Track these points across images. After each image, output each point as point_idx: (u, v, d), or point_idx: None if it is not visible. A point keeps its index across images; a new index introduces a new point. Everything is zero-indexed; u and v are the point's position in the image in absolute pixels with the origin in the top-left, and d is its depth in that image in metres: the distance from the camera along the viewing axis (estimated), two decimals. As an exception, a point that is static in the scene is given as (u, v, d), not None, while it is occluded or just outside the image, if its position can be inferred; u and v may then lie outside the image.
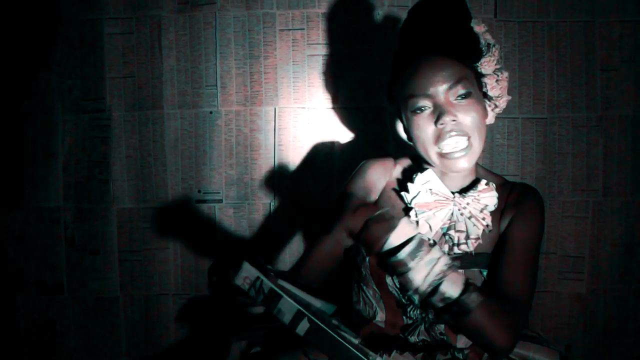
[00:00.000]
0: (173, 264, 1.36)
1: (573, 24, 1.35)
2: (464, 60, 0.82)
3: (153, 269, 1.36)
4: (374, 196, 0.94)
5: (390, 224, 0.71)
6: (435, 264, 0.70)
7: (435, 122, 0.80)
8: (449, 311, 0.71)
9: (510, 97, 0.90)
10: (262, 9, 1.32)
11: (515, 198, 0.88)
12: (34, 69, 1.34)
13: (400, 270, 0.71)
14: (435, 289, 0.70)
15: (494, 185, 0.87)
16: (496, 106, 0.89)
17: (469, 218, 0.85)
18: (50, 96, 1.34)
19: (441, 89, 0.80)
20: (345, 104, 1.34)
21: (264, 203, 1.35)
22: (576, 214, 1.37)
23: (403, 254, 0.69)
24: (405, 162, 0.97)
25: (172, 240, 1.35)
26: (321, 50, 1.33)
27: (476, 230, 0.84)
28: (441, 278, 0.70)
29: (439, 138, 0.81)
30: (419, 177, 0.87)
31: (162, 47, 1.33)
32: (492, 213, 0.86)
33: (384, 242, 0.70)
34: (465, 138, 0.81)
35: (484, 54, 0.83)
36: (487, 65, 0.83)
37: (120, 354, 1.36)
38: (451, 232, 0.85)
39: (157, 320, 1.36)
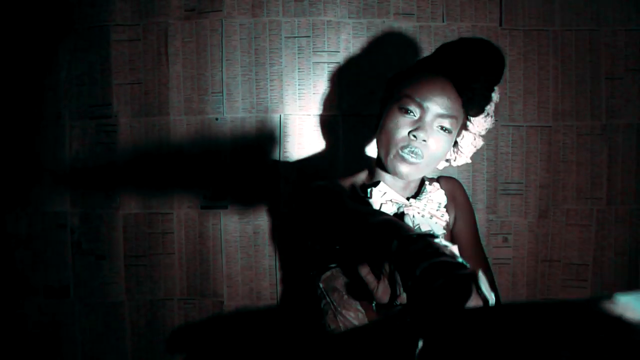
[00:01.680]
0: (178, 269, 1.37)
1: (578, 33, 1.35)
2: (465, 107, 0.88)
3: (158, 273, 1.37)
4: None
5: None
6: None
7: (411, 131, 0.85)
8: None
9: (470, 161, 0.99)
10: (268, 16, 1.33)
11: (448, 190, 1.02)
12: (42, 76, 1.35)
13: None
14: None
15: (437, 184, 0.99)
16: (455, 159, 0.98)
17: (430, 217, 0.93)
18: (57, 102, 1.35)
19: (435, 110, 0.85)
20: (351, 112, 1.35)
21: (269, 209, 1.36)
22: (580, 222, 1.38)
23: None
24: (354, 179, 1.01)
25: (177, 246, 1.36)
26: (327, 57, 1.34)
27: (440, 227, 0.92)
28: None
29: (405, 145, 0.86)
30: (375, 191, 0.92)
31: (169, 54, 1.34)
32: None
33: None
34: (421, 157, 0.87)
35: (482, 116, 0.90)
36: (476, 125, 0.91)
37: (125, 358, 1.37)
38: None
39: (162, 324, 1.37)
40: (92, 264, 1.37)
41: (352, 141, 1.36)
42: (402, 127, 0.86)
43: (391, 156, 0.88)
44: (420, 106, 0.85)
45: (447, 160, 0.99)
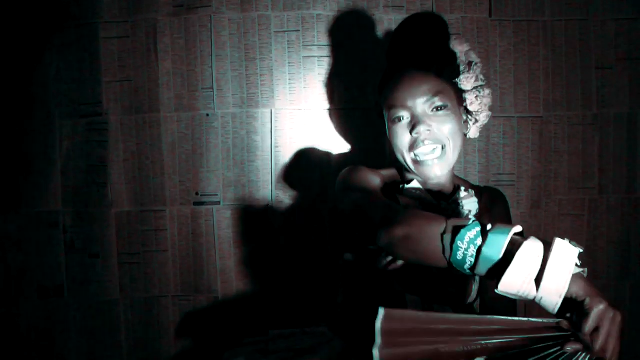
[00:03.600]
0: (172, 266, 1.37)
1: (568, 23, 1.35)
2: (442, 75, 0.87)
3: (152, 271, 1.36)
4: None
5: None
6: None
7: (411, 131, 0.86)
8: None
9: (491, 113, 0.95)
10: (258, 11, 1.32)
11: (487, 201, 0.99)
12: (31, 74, 1.34)
13: None
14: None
15: (472, 191, 0.94)
16: (477, 120, 0.94)
17: None
18: (47, 101, 1.34)
19: (419, 102, 0.85)
20: (342, 105, 1.35)
21: (261, 205, 1.36)
22: (572, 212, 1.38)
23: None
24: (389, 173, 1.00)
25: (170, 243, 1.36)
26: (317, 51, 1.34)
27: None
28: None
29: (414, 145, 0.87)
30: (406, 189, 0.92)
31: (158, 51, 1.33)
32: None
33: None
34: (439, 146, 0.87)
35: (463, 71, 0.88)
36: (466, 81, 0.89)
37: (120, 356, 1.37)
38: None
39: (157, 322, 1.37)
40: (85, 262, 1.36)
41: (344, 135, 1.35)
42: (404, 134, 0.88)
43: (411, 164, 0.89)
44: (405, 107, 0.86)
45: (474, 125, 0.94)
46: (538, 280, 0.54)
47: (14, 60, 1.34)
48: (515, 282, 0.54)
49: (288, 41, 1.33)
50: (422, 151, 0.87)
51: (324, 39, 1.33)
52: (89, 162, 1.35)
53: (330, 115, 1.35)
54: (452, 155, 0.89)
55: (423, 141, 0.86)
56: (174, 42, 1.33)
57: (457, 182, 0.99)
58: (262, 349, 0.94)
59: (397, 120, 0.88)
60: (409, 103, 0.86)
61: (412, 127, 0.86)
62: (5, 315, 1.36)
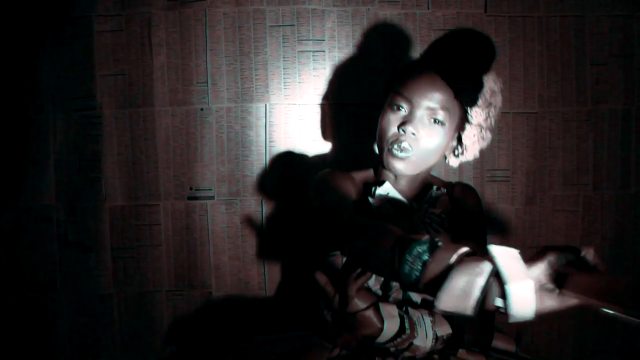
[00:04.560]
0: (166, 260, 1.36)
1: (563, 19, 1.35)
2: (458, 96, 0.86)
3: (146, 265, 1.36)
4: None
5: None
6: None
7: (399, 125, 0.86)
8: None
9: (477, 156, 0.96)
10: (252, 5, 1.32)
11: (459, 198, 1.00)
12: (24, 68, 1.33)
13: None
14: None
15: (444, 189, 0.96)
16: (462, 154, 0.94)
17: (430, 223, 0.92)
18: (40, 95, 1.34)
19: (424, 104, 0.85)
20: (336, 100, 1.34)
21: (255, 199, 1.35)
22: (567, 208, 1.38)
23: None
24: (364, 174, 1.01)
25: (164, 237, 1.36)
26: (312, 46, 1.33)
27: (439, 233, 0.91)
28: None
29: (395, 140, 0.87)
30: (379, 190, 0.92)
31: (153, 45, 1.32)
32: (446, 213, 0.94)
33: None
34: (411, 152, 0.87)
35: (479, 104, 0.88)
36: (475, 115, 0.89)
37: (113, 350, 1.37)
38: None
39: (151, 316, 1.37)
40: (79, 257, 1.36)
41: (338, 130, 1.35)
42: (392, 123, 0.88)
43: (385, 153, 0.89)
44: (409, 101, 0.86)
45: (456, 156, 0.96)
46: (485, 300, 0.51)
47: (6, 54, 1.33)
48: (450, 300, 0.51)
49: (283, 35, 1.33)
50: (399, 148, 0.87)
51: (319, 34, 1.33)
52: (82, 156, 1.34)
53: (325, 110, 1.35)
54: (416, 165, 0.89)
55: (403, 142, 0.86)
56: (169, 36, 1.33)
57: (431, 180, 1.01)
58: (246, 355, 0.94)
59: (395, 108, 0.88)
60: (415, 100, 0.86)
61: (402, 123, 0.86)
62: (-3, 309, 1.36)
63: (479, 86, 0.88)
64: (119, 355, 1.37)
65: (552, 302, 0.52)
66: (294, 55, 1.33)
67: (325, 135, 1.35)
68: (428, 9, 1.34)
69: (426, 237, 0.58)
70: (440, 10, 1.34)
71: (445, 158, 0.97)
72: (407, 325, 0.80)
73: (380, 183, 0.94)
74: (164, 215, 1.35)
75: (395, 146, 0.87)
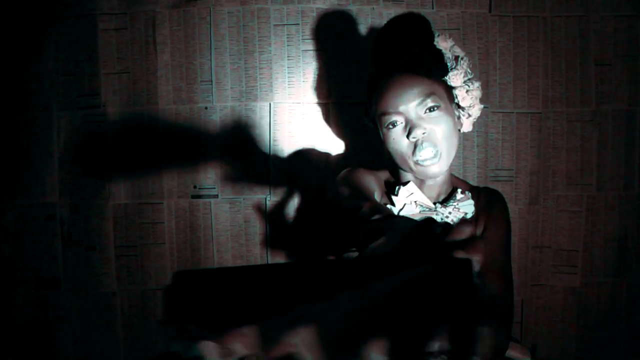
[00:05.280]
0: (169, 259, 1.36)
1: (568, 19, 1.35)
2: (431, 75, 0.86)
3: (149, 264, 1.36)
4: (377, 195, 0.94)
5: None
6: None
7: (408, 136, 0.86)
8: None
9: (482, 106, 0.94)
10: (257, 4, 1.32)
11: (484, 203, 0.96)
12: (29, 66, 1.33)
13: None
14: None
15: (469, 193, 0.93)
16: (470, 115, 0.93)
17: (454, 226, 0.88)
18: (45, 92, 1.34)
19: (411, 106, 0.85)
20: (340, 99, 1.34)
21: (259, 198, 1.36)
22: (570, 208, 1.38)
23: None
24: (384, 175, 1.00)
25: (168, 236, 1.36)
26: (316, 45, 1.33)
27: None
28: None
29: (414, 149, 0.86)
30: (402, 190, 0.91)
31: (157, 43, 1.32)
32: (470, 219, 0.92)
33: None
34: (436, 147, 0.86)
35: (451, 67, 0.88)
36: (455, 78, 0.88)
37: (117, 348, 1.37)
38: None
39: (154, 314, 1.37)
40: (82, 255, 1.36)
41: (343, 129, 1.35)
42: (400, 140, 0.87)
43: (413, 168, 0.88)
44: (398, 113, 0.86)
45: (467, 119, 0.94)
46: None
47: (11, 52, 1.33)
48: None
49: (287, 34, 1.33)
50: (424, 156, 0.86)
51: (323, 33, 1.33)
52: (86, 154, 1.35)
53: (329, 109, 1.35)
54: (447, 154, 0.88)
55: (422, 144, 0.85)
56: (173, 35, 1.33)
57: (456, 183, 0.99)
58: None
59: (390, 126, 0.87)
60: (402, 108, 0.85)
61: (409, 132, 0.85)
62: (1, 306, 1.36)
63: (438, 54, 0.87)
64: (122, 353, 1.38)
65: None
66: (298, 54, 1.33)
67: (328, 135, 1.35)
68: (432, 8, 1.34)
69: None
70: (445, 10, 1.34)
71: (460, 131, 0.95)
72: None
73: (404, 183, 0.93)
74: (167, 213, 1.35)
75: (419, 156, 0.86)
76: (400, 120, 0.86)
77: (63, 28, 1.33)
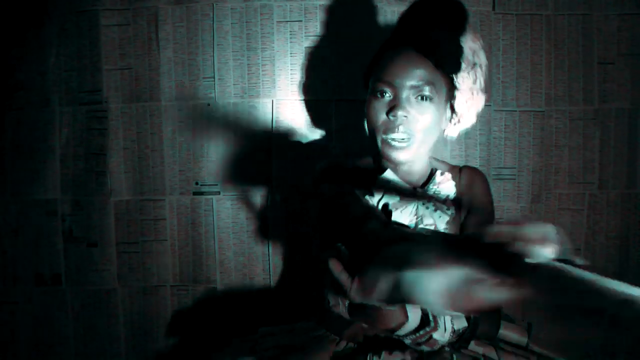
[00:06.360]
0: (171, 255, 1.36)
1: (571, 17, 1.35)
2: (439, 66, 0.83)
3: (151, 260, 1.36)
4: None
5: None
6: None
7: (388, 112, 0.83)
8: None
9: (474, 122, 0.92)
10: (260, 0, 1.32)
11: (465, 181, 0.95)
12: (30, 61, 1.33)
13: None
14: None
15: (450, 174, 0.92)
16: (459, 122, 0.91)
17: (435, 210, 0.88)
18: (46, 88, 1.33)
19: (407, 84, 0.82)
20: (343, 96, 1.34)
21: (261, 195, 1.35)
22: (572, 207, 1.38)
23: None
24: (365, 163, 0.98)
25: (169, 232, 1.35)
26: (319, 42, 1.33)
27: (443, 220, 0.88)
28: None
29: (387, 128, 0.84)
30: (380, 179, 0.89)
31: (159, 39, 1.32)
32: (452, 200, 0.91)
33: None
34: (410, 134, 0.83)
35: (463, 69, 0.83)
36: (462, 81, 0.84)
37: (118, 345, 1.37)
38: (420, 227, 0.87)
39: (155, 311, 1.37)
40: (83, 251, 1.36)
41: (345, 126, 1.35)
42: (380, 111, 0.84)
43: (380, 144, 0.85)
44: (391, 85, 0.82)
45: (454, 125, 0.92)
46: None
47: (13, 47, 1.33)
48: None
49: (290, 31, 1.33)
50: (395, 136, 0.83)
51: (327, 30, 1.33)
52: (88, 150, 1.34)
53: (332, 106, 1.34)
54: (418, 147, 0.85)
55: (398, 127, 0.83)
56: (175, 31, 1.32)
57: (435, 164, 0.97)
58: (250, 347, 0.93)
59: (378, 95, 0.84)
60: (397, 82, 0.82)
61: (390, 108, 0.82)
62: (2, 302, 1.36)
63: (458, 50, 0.82)
64: (123, 350, 1.37)
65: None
66: (302, 51, 1.33)
67: (332, 131, 1.35)
68: (436, 6, 1.33)
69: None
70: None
71: (443, 131, 0.92)
72: (431, 317, 0.77)
73: (382, 171, 0.90)
74: (169, 210, 1.35)
75: (391, 136, 0.83)
76: (389, 93, 0.83)
77: (65, 24, 1.32)
